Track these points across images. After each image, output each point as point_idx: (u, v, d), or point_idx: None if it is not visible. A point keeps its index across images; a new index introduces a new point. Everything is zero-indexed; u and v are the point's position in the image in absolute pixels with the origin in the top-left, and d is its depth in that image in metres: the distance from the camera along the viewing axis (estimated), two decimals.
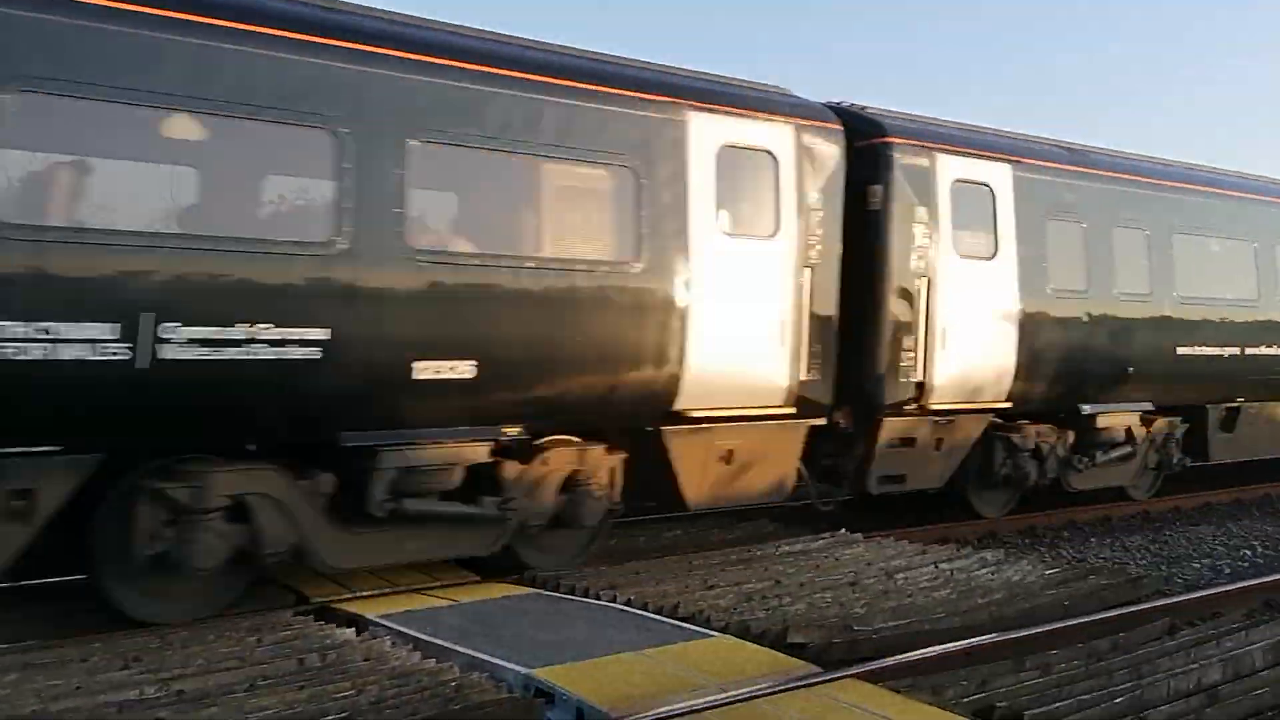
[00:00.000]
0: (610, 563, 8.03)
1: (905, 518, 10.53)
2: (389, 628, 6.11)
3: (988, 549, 9.03)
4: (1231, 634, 6.23)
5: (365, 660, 5.52)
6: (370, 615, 6.36)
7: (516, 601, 6.84)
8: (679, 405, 7.82)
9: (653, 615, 6.49)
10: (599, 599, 6.91)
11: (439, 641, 5.79)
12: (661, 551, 8.63)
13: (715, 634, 6.10)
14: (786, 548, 8.60)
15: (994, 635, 6.09)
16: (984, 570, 7.90)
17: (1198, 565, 9.28)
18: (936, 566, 7.93)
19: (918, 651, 5.73)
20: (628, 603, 6.76)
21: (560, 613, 6.54)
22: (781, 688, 5.02)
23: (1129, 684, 5.27)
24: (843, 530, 9.18)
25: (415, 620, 6.25)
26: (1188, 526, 10.99)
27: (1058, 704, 4.96)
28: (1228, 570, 9.09)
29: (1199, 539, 10.36)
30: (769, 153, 8.26)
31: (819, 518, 10.02)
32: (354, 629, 6.15)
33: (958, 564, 8.06)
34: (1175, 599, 7.24)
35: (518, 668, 5.32)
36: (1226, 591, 7.61)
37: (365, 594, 6.94)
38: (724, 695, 4.93)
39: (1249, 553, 9.78)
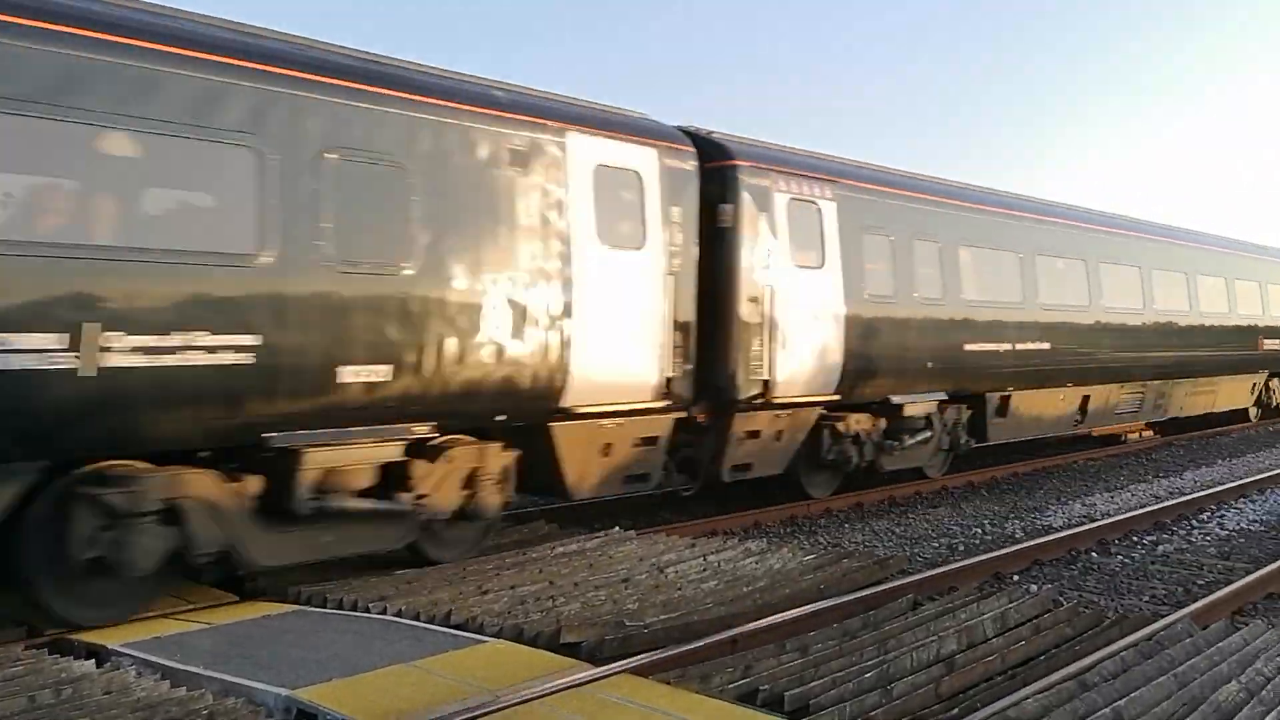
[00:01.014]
0: (380, 573, 7.79)
1: (679, 512, 10.85)
2: (134, 656, 5.65)
3: (752, 539, 9.45)
4: (966, 606, 6.81)
5: (106, 694, 5.08)
6: (112, 644, 5.86)
7: (277, 620, 6.49)
8: None
9: (424, 625, 6.35)
10: (368, 612, 6.68)
11: (190, 668, 5.41)
12: (435, 559, 8.44)
13: (489, 639, 6.04)
14: (561, 548, 8.65)
15: (757, 622, 6.36)
16: (749, 560, 8.25)
17: (936, 544, 10.06)
18: (705, 559, 8.21)
19: (687, 643, 5.91)
20: (398, 614, 6.58)
21: (325, 629, 6.27)
22: (554, 689, 5.03)
23: (876, 659, 5.66)
24: (616, 528, 9.35)
25: (163, 647, 5.81)
26: (928, 509, 11.92)
27: (814, 683, 5.24)
28: (962, 548, 9.90)
29: (937, 520, 11.26)
30: None
31: (592, 518, 10.18)
32: (94, 660, 5.66)
33: (725, 555, 8.37)
34: (917, 577, 7.81)
35: (278, 690, 5.05)
36: (961, 567, 8.31)
37: (107, 622, 6.39)
38: (498, 700, 4.88)
39: (979, 530, 10.70)
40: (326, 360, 7.01)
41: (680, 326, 9.40)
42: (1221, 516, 11.26)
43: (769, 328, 10.23)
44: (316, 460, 7.00)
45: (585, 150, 8.71)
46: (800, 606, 6.77)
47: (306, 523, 7.08)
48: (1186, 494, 12.51)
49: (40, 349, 5.77)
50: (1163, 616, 6.60)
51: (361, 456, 7.34)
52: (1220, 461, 16.12)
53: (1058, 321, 14.69)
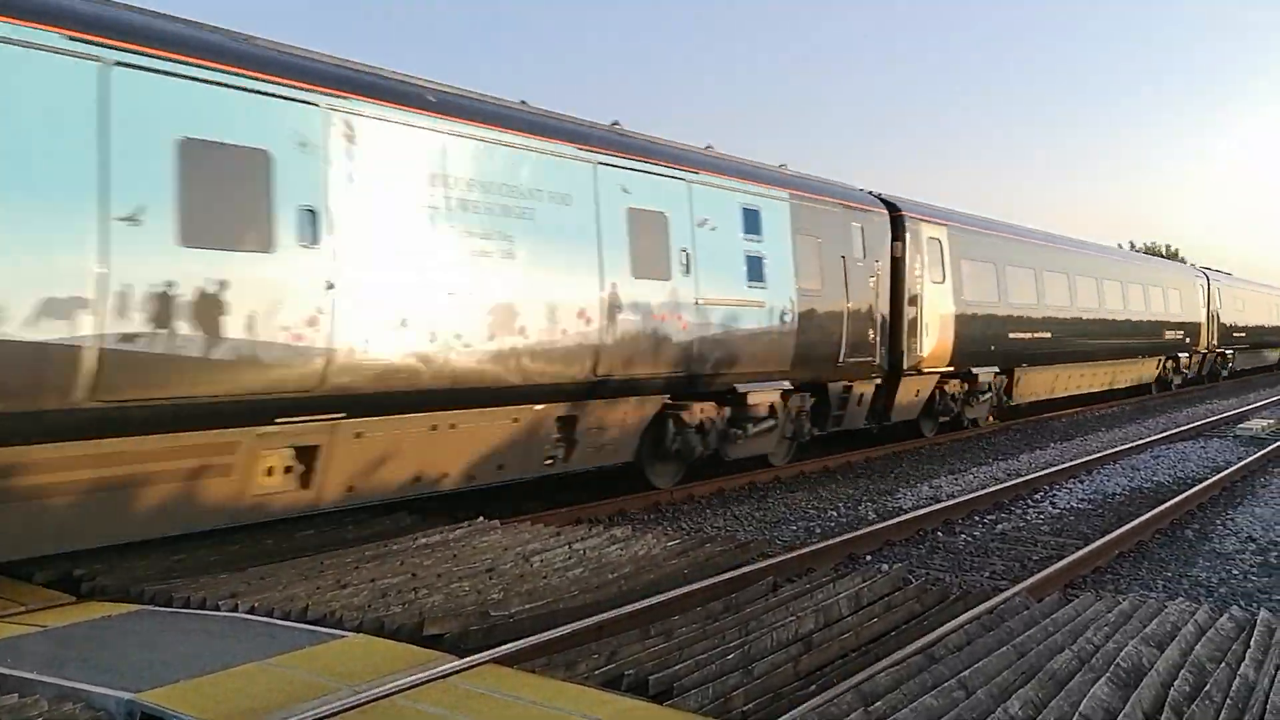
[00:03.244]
0: (231, 570, 7.49)
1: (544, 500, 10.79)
2: None
3: (617, 526, 9.50)
4: (822, 586, 7.03)
5: None
6: None
7: (118, 621, 6.15)
8: None
9: (279, 621, 6.13)
10: (218, 610, 6.41)
11: (21, 673, 5.05)
12: (291, 554, 8.17)
13: (349, 634, 5.87)
14: (424, 539, 8.50)
15: (622, 608, 6.40)
16: (614, 547, 8.29)
17: (794, 528, 10.36)
18: (570, 547, 8.21)
19: (552, 631, 5.89)
20: (250, 610, 6.33)
21: (172, 629, 5.97)
22: (416, 682, 4.94)
23: (738, 640, 5.78)
24: (480, 518, 9.25)
25: None
26: (786, 494, 12.25)
27: (678, 665, 5.32)
28: (818, 530, 10.22)
29: (795, 504, 11.58)
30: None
31: (456, 508, 10.05)
32: None
33: (590, 543, 8.39)
34: (776, 559, 8.01)
35: (119, 693, 4.78)
36: (818, 549, 8.57)
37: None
38: (357, 696, 4.76)
39: (835, 513, 11.07)
40: None
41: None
42: (1054, 496, 11.98)
43: None
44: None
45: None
46: (664, 591, 6.85)
47: None
48: (1023, 475, 13.25)
49: None
50: (1002, 591, 6.97)
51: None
52: (1053, 445, 17.15)
53: None
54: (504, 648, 5.55)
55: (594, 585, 7.10)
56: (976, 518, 10.72)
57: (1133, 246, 52.19)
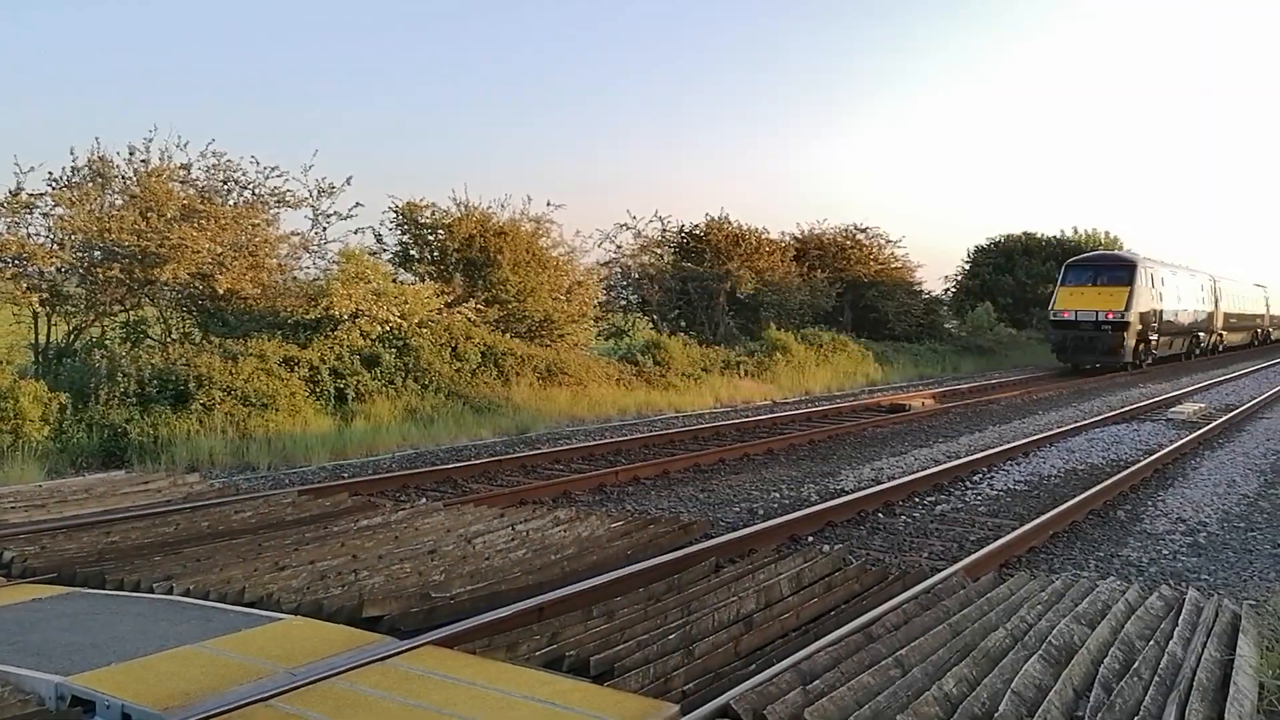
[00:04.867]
0: (166, 551, 7.35)
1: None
2: None
3: (561, 508, 9.49)
4: (764, 567, 7.09)
5: None
6: None
7: (49, 603, 6.01)
8: None
9: (214, 604, 6.03)
10: (151, 592, 6.30)
11: None
12: (228, 535, 8.05)
13: (286, 617, 5.80)
14: (365, 521, 8.42)
15: (565, 589, 6.40)
16: (557, 529, 8.29)
17: (738, 509, 10.41)
18: (513, 529, 8.18)
19: (493, 612, 5.88)
20: (186, 593, 6.23)
21: (104, 611, 5.85)
22: (355, 664, 4.89)
23: (680, 620, 5.81)
24: (423, 500, 9.19)
25: None
26: (730, 475, 12.33)
27: (620, 646, 5.33)
28: (761, 511, 10.29)
29: (739, 486, 11.66)
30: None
31: (398, 490, 9.96)
32: None
33: (533, 524, 8.37)
34: (719, 540, 8.05)
35: (50, 677, 4.68)
36: (760, 530, 8.63)
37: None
38: (294, 679, 4.70)
39: (778, 495, 11.16)
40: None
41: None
42: (992, 478, 12.20)
43: None
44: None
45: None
46: (607, 572, 6.86)
47: None
48: (961, 458, 13.46)
49: None
50: (939, 571, 7.09)
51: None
52: (991, 427, 17.46)
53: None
54: (445, 629, 5.52)
55: (536, 567, 7.09)
56: (916, 499, 10.88)
57: (1075, 232, 53.41)
